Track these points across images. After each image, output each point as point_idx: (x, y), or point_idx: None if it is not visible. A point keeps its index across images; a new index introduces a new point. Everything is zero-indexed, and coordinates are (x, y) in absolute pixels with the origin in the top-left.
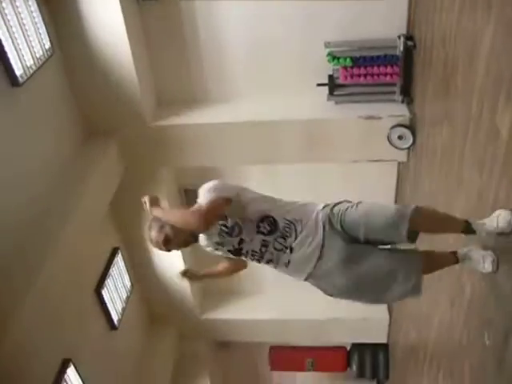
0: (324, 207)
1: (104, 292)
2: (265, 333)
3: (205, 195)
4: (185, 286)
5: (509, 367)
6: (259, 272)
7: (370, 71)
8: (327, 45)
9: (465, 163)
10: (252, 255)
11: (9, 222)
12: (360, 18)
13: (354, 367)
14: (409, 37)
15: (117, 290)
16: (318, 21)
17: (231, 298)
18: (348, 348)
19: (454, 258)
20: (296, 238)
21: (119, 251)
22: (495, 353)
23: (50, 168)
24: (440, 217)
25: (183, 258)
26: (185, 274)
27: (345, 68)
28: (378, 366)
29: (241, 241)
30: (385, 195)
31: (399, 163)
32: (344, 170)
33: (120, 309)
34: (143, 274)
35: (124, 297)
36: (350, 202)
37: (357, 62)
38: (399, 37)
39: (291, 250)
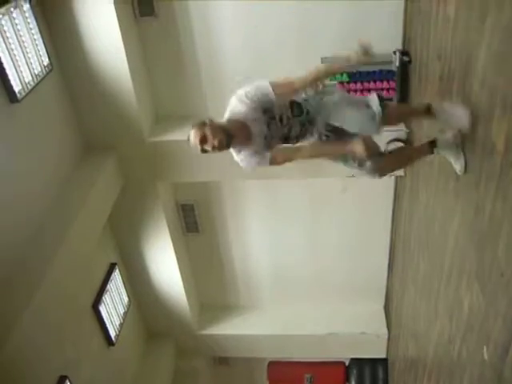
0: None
1: (101, 308)
2: (263, 348)
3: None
4: (182, 300)
5: (508, 381)
6: (256, 287)
7: (367, 86)
8: (324, 60)
9: (461, 176)
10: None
11: (8, 237)
12: (356, 34)
13: (353, 383)
14: (404, 52)
15: (114, 305)
16: (315, 36)
17: (229, 313)
18: (347, 363)
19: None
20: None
21: (117, 267)
22: (494, 367)
23: (48, 184)
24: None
25: (181, 276)
26: None
27: (341, 83)
28: (377, 382)
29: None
30: (383, 209)
31: (396, 177)
32: (342, 184)
33: (117, 324)
34: (141, 290)
35: (121, 312)
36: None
37: (353, 77)
38: (395, 52)
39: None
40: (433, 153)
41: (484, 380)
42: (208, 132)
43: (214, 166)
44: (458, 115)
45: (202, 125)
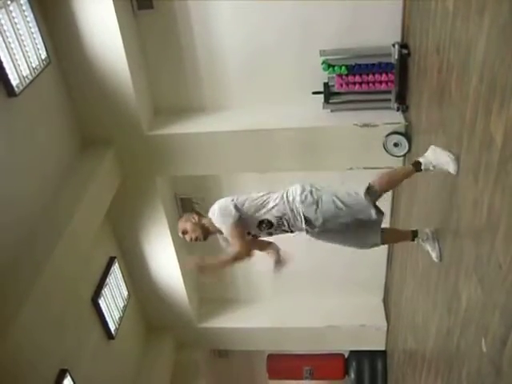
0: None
1: (101, 301)
2: (262, 341)
3: (222, 224)
4: (182, 294)
5: (506, 374)
6: (256, 280)
7: (365, 79)
8: (322, 53)
9: (460, 170)
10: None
11: (7, 231)
12: (355, 27)
13: (352, 375)
14: (403, 45)
15: (114, 299)
16: (313, 29)
17: (228, 306)
18: (346, 356)
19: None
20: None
21: (116, 260)
22: (492, 359)
23: (46, 178)
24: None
25: (181, 270)
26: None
27: (340, 76)
28: (376, 374)
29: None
30: (381, 201)
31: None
32: (340, 177)
33: (117, 318)
34: (140, 283)
35: (121, 306)
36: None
37: (352, 69)
38: (394, 45)
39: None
40: (413, 241)
41: (482, 372)
42: (189, 227)
43: (212, 160)
44: (445, 161)
45: (187, 219)
